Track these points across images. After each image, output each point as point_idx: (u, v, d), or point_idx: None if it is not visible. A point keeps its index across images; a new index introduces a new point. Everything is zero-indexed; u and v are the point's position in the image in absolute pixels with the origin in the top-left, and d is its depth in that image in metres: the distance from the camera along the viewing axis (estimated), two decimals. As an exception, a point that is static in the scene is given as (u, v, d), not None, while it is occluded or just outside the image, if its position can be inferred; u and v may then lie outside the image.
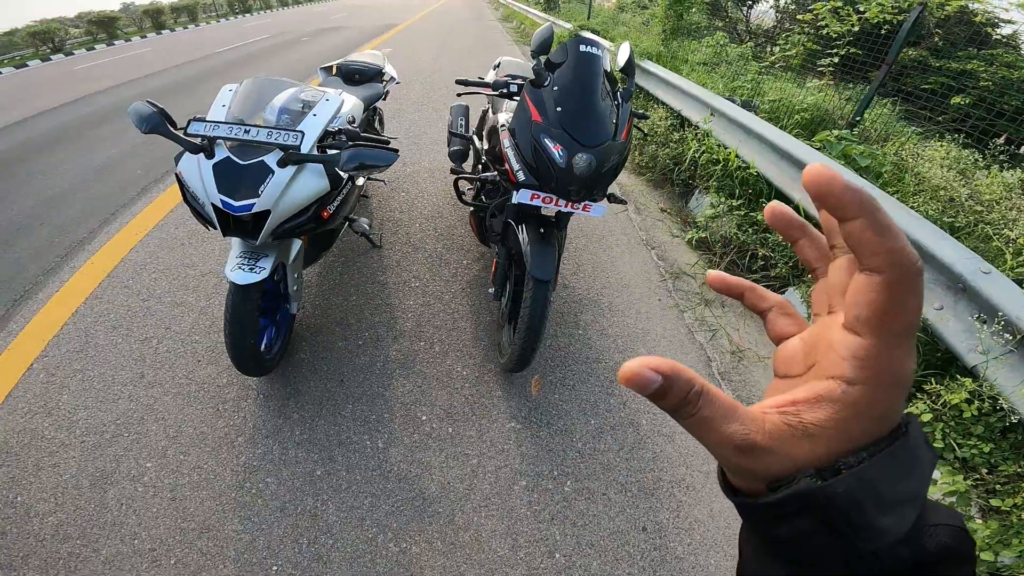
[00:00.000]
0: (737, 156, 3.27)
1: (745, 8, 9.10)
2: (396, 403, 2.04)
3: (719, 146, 3.50)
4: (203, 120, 1.63)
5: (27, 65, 13.60)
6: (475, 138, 2.70)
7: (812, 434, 0.22)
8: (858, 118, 3.82)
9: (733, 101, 3.92)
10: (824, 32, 5.57)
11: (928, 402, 1.73)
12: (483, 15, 19.48)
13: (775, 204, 0.30)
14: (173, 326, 2.40)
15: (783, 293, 2.55)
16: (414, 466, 1.82)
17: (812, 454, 0.22)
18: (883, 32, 5.05)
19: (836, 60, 5.13)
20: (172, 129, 1.62)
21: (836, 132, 3.32)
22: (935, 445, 1.57)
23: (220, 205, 1.57)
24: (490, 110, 2.62)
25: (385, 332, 2.37)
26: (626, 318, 2.54)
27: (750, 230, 2.91)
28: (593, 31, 8.61)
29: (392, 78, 3.20)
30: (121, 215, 3.50)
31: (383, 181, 3.43)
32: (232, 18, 27.61)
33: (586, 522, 1.68)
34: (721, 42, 6.10)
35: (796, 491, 0.22)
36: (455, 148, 2.56)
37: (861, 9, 5.41)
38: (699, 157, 3.58)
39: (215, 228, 1.65)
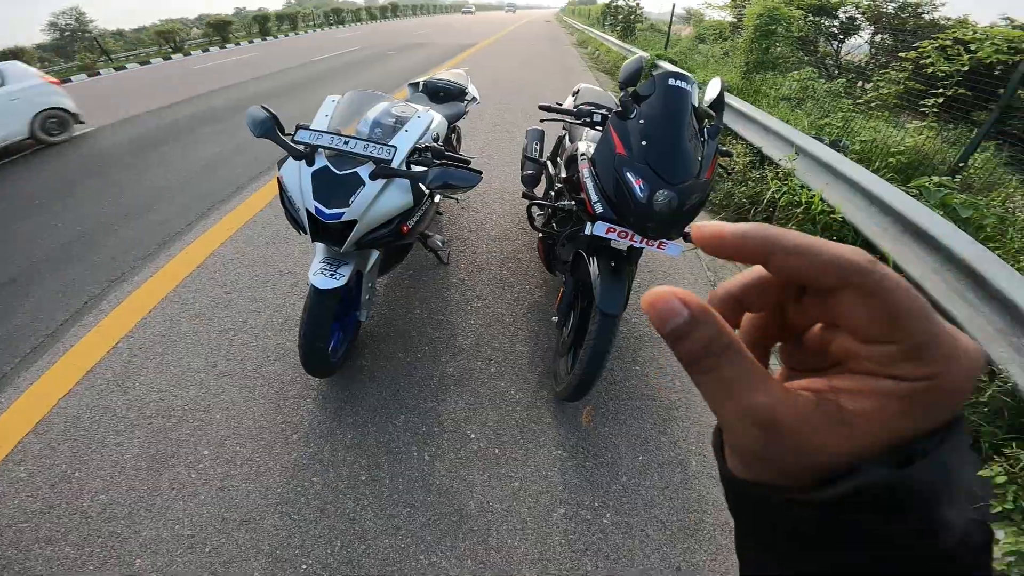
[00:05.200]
0: (822, 200, 3.09)
1: (836, 43, 8.70)
2: (447, 419, 2.05)
3: (802, 187, 3.33)
4: (308, 129, 1.75)
5: (150, 63, 15.28)
6: (549, 164, 2.72)
7: (849, 421, 0.19)
8: (962, 163, 3.53)
9: (820, 140, 3.73)
10: (929, 71, 5.23)
11: (1006, 465, 1.67)
12: (558, 39, 19.86)
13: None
14: (250, 320, 2.55)
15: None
16: (456, 482, 1.82)
17: (848, 445, 0.19)
18: (996, 73, 4.68)
19: (940, 100, 4.80)
20: (280, 135, 1.74)
21: (936, 178, 3.08)
22: (1005, 506, 1.55)
23: (314, 211, 1.66)
24: (567, 137, 2.63)
25: (444, 348, 2.41)
26: (686, 359, 2.43)
27: (831, 279, 2.72)
28: (671, 61, 8.52)
29: (473, 98, 3.30)
30: (218, 210, 3.81)
31: (456, 199, 3.52)
32: (327, 28, 29.84)
33: (620, 556, 1.63)
34: (809, 77, 5.85)
35: (867, 482, 0.18)
36: (528, 172, 2.58)
37: (972, 48, 5.05)
38: (779, 198, 3.41)
39: (306, 233, 1.74)
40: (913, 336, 0.19)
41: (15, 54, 12.81)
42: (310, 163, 1.71)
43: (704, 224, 0.22)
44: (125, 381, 2.19)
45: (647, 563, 1.61)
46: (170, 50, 18.39)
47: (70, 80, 12.59)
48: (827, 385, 0.21)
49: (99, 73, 13.51)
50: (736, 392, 0.20)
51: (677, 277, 3.07)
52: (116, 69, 14.22)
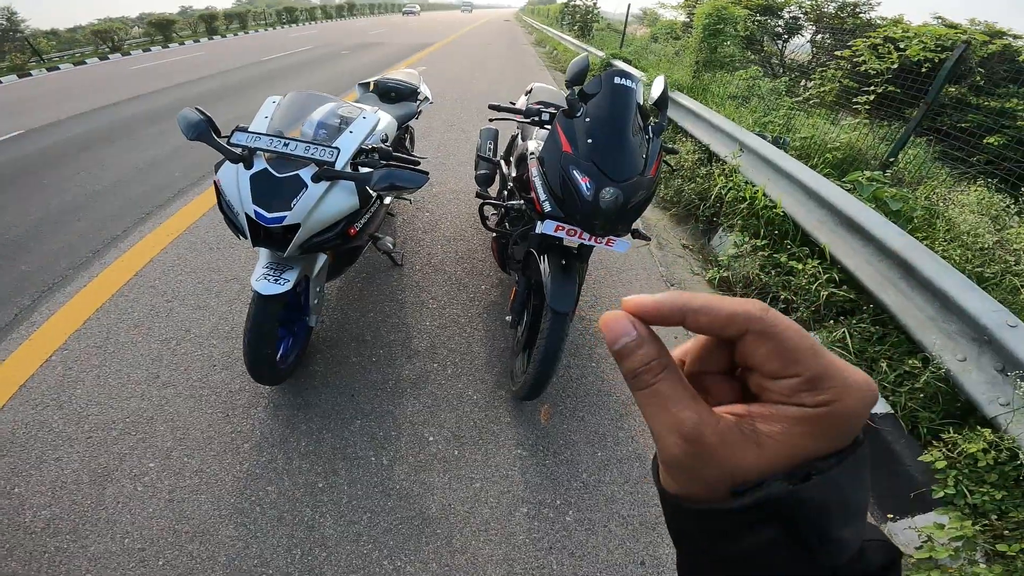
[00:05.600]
0: (764, 195, 3.23)
1: (780, 42, 9.09)
2: (404, 422, 2.03)
3: (746, 183, 3.46)
4: (246, 131, 1.69)
5: (85, 63, 14.38)
6: (503, 163, 2.73)
7: (763, 444, 0.22)
8: (892, 159, 3.74)
9: (763, 137, 3.88)
10: (862, 69, 5.53)
11: (944, 450, 1.72)
12: (516, 39, 19.92)
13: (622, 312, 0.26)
14: (193, 329, 2.45)
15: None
16: (417, 485, 1.80)
17: (758, 462, 0.22)
18: (923, 70, 4.99)
19: (872, 98, 5.07)
20: (216, 137, 1.68)
21: (868, 173, 3.25)
22: (947, 491, 1.61)
23: (253, 216, 1.61)
24: (520, 136, 2.64)
25: (399, 351, 2.38)
26: (641, 353, 2.48)
27: (773, 272, 2.84)
28: (625, 60, 8.70)
29: (426, 98, 3.26)
30: (156, 215, 3.62)
31: (409, 200, 3.48)
32: (279, 27, 28.84)
33: (584, 553, 1.65)
34: (755, 76, 6.08)
35: (768, 494, 0.21)
36: (482, 172, 2.57)
37: (902, 47, 5.37)
38: (725, 194, 3.53)
39: (246, 238, 1.68)
40: (807, 369, 0.22)
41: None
42: (248, 166, 1.65)
43: (629, 298, 0.25)
44: (61, 395, 2.08)
45: (611, 559, 1.64)
46: (107, 49, 17.36)
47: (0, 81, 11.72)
48: (746, 411, 0.23)
49: (30, 74, 12.65)
50: (668, 407, 0.22)
51: (631, 274, 3.14)
52: (48, 69, 13.34)
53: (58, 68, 13.56)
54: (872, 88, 5.16)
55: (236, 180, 1.65)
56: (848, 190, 2.94)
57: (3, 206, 3.85)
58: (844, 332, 2.29)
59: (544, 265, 1.81)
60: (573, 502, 1.80)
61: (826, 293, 2.49)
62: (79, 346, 2.33)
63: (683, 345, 0.29)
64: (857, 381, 0.22)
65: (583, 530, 1.71)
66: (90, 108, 7.18)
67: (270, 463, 1.83)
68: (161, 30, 20.25)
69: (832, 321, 2.42)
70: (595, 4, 16.64)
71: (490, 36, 21.01)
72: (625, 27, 12.41)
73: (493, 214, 2.68)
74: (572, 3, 17.46)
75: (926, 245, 2.32)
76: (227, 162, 1.69)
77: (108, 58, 15.54)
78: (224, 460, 1.84)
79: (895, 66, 5.27)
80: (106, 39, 17.89)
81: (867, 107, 5.05)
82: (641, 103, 1.73)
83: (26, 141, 5.63)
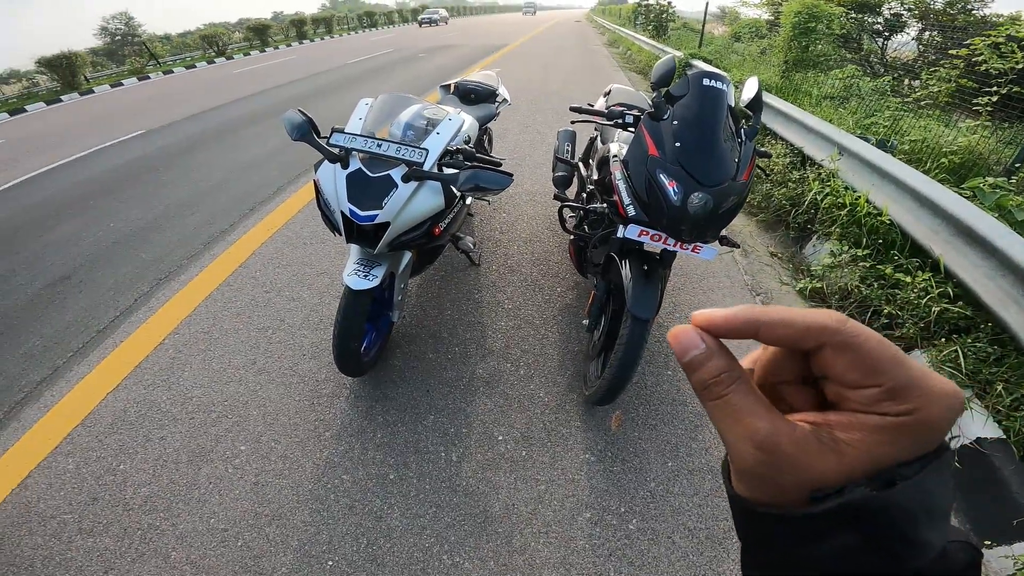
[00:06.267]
0: (868, 201, 2.96)
1: (881, 40, 8.32)
2: (475, 420, 2.06)
3: (846, 189, 3.19)
4: (343, 132, 1.79)
5: (195, 67, 15.98)
6: (581, 165, 2.70)
7: (842, 451, 0.22)
8: (1018, 164, 3.32)
9: (866, 140, 3.57)
10: (981, 68, 4.96)
11: None
12: (588, 39, 19.72)
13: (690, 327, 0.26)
14: (287, 319, 2.63)
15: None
16: (483, 483, 1.82)
17: (837, 469, 0.21)
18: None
19: (995, 98, 4.54)
20: (317, 138, 1.79)
21: (991, 179, 2.90)
22: None
23: (348, 213, 1.69)
24: (599, 139, 2.60)
25: (474, 349, 2.42)
26: (720, 366, 2.36)
27: (875, 284, 2.60)
28: (705, 60, 8.33)
29: (504, 99, 3.30)
30: (258, 211, 3.95)
31: (488, 201, 3.53)
32: (361, 31, 30.49)
33: (644, 562, 1.60)
34: (853, 75, 5.61)
35: (849, 500, 0.21)
36: (560, 174, 2.56)
37: (1027, 45, 4.77)
38: (821, 200, 3.28)
39: (341, 234, 1.78)
40: (890, 379, 0.22)
41: (69, 59, 13.49)
42: (345, 166, 1.75)
43: (699, 312, 0.25)
44: (170, 377, 2.28)
45: (672, 570, 1.58)
46: (214, 54, 19.17)
47: (121, 84, 13.22)
48: (823, 419, 0.23)
49: (148, 77, 14.15)
50: (741, 418, 0.23)
51: (713, 281, 3.00)
52: (164, 73, 14.89)
53: (172, 71, 15.15)
54: (995, 88, 4.62)
55: (334, 179, 1.74)
56: (968, 198, 2.63)
57: (128, 200, 4.37)
58: (957, 351, 2.07)
59: (625, 270, 1.76)
60: (638, 511, 1.75)
61: (938, 309, 2.25)
62: (188, 331, 2.57)
63: (753, 354, 0.29)
64: (943, 389, 0.22)
65: (646, 539, 1.66)
66: (200, 110, 7.99)
67: (347, 452, 1.91)
68: (258, 35, 22.08)
69: (943, 339, 2.19)
70: (669, 3, 16.11)
71: (562, 37, 20.95)
72: (704, 26, 11.90)
73: (571, 216, 2.66)
74: (645, 2, 17.00)
75: None
76: (326, 162, 1.79)
77: (214, 62, 17.13)
78: (307, 447, 1.94)
79: (1020, 66, 4.69)
80: (212, 43, 19.76)
81: (988, 108, 4.51)
82: (732, 105, 1.65)
83: (147, 140, 6.36)
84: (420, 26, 32.53)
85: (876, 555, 0.21)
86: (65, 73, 13.51)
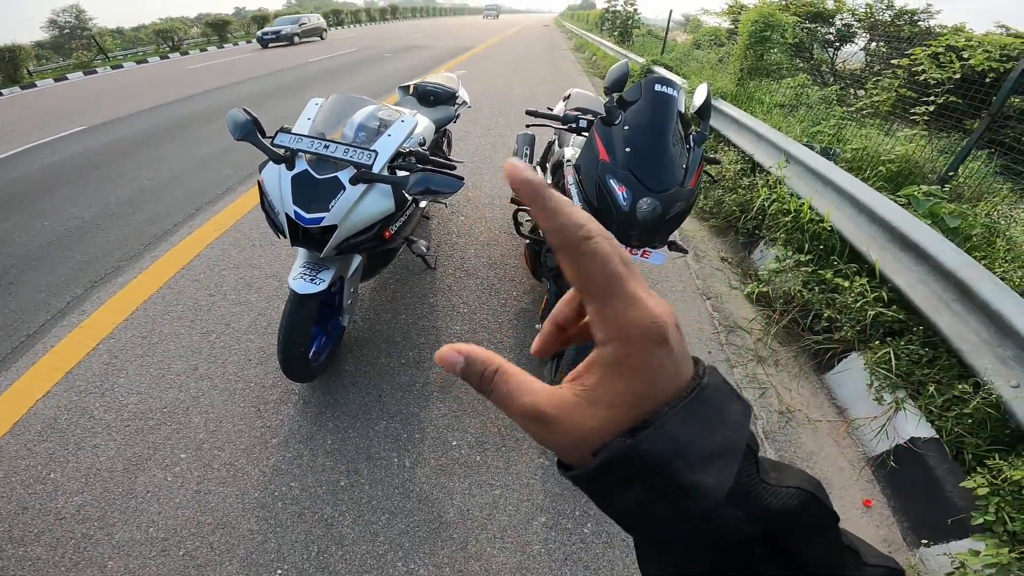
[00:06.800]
0: (811, 208, 3.09)
1: (831, 50, 8.74)
2: (429, 425, 2.03)
3: (791, 195, 3.31)
4: (289, 132, 1.74)
5: (147, 61, 15.25)
6: (539, 169, 2.71)
7: (596, 400, 0.22)
8: (951, 173, 3.53)
9: (811, 147, 3.72)
10: (921, 78, 5.26)
11: (988, 476, 1.66)
12: (556, 44, 19.90)
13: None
14: (232, 323, 2.53)
15: (845, 358, 2.37)
16: (437, 489, 1.80)
17: (605, 422, 0.22)
18: (988, 80, 4.70)
19: (932, 108, 4.82)
20: (261, 138, 1.73)
21: (925, 187, 3.07)
22: (987, 518, 1.55)
23: (293, 216, 1.65)
24: (556, 143, 2.61)
25: (428, 354, 2.39)
26: (673, 367, 2.42)
27: (816, 288, 2.71)
28: (666, 67, 8.54)
29: (464, 102, 3.28)
30: (206, 211, 3.79)
31: (444, 203, 3.50)
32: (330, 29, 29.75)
33: (600, 566, 1.62)
34: (803, 84, 5.86)
35: (609, 453, 0.22)
36: (517, 177, 2.56)
37: (965, 56, 5.08)
38: (768, 206, 3.40)
39: (286, 237, 1.73)
40: (599, 302, 0.22)
41: (11, 52, 12.74)
42: (290, 167, 1.70)
43: (512, 163, 0.24)
44: (104, 383, 2.17)
45: (627, 573, 1.60)
46: (168, 49, 18.35)
47: (66, 78, 12.53)
48: (575, 374, 0.25)
49: (95, 71, 13.47)
50: (512, 399, 0.24)
51: (667, 285, 3.06)
52: (113, 67, 14.18)
53: (122, 66, 14.43)
54: (932, 98, 4.90)
55: (279, 180, 1.69)
56: (903, 205, 2.78)
57: (67, 198, 4.11)
58: (890, 353, 2.17)
59: None
60: (592, 514, 1.77)
61: (873, 312, 2.36)
62: (125, 335, 2.44)
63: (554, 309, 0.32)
64: (640, 320, 0.22)
65: (600, 543, 1.68)
66: (150, 106, 7.62)
67: (296, 459, 1.86)
68: (217, 30, 21.25)
69: (878, 342, 2.30)
70: (635, 10, 16.45)
71: (530, 41, 21.07)
72: (667, 33, 12.19)
73: (527, 220, 2.66)
74: (612, 8, 17.31)
75: (985, 265, 2.18)
76: (271, 162, 1.73)
77: (168, 57, 16.42)
78: (252, 454, 1.88)
79: (957, 76, 4.99)
80: (167, 38, 18.92)
81: (925, 118, 4.79)
82: (683, 111, 1.68)
83: (89, 136, 6.01)
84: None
85: (659, 503, 0.21)
86: (7, 66, 12.79)
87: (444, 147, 3.31)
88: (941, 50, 5.26)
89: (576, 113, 2.04)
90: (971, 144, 3.50)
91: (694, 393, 0.22)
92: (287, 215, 1.66)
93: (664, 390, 0.22)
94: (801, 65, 7.64)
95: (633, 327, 0.22)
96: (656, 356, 0.22)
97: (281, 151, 1.72)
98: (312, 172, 1.68)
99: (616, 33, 16.67)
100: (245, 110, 1.75)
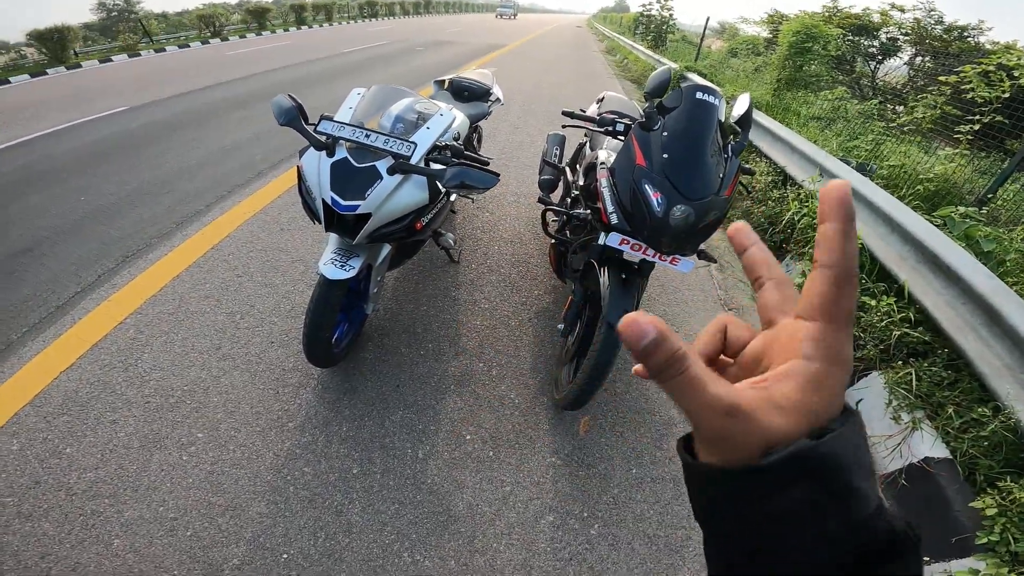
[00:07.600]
0: (843, 224, 3.01)
1: (873, 64, 8.51)
2: (444, 418, 2.04)
3: (824, 210, 3.24)
4: (332, 120, 1.76)
5: (188, 46, 15.61)
6: (567, 170, 2.69)
7: (781, 406, 0.24)
8: (990, 195, 3.41)
9: (847, 163, 3.64)
10: (969, 96, 5.09)
11: (998, 497, 1.65)
12: (587, 45, 19.81)
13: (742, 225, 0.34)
14: (257, 304, 2.57)
15: (865, 376, 2.32)
16: (447, 482, 1.81)
17: (785, 426, 0.24)
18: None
19: (977, 127, 4.66)
20: (304, 124, 1.76)
21: (962, 208, 2.97)
22: (991, 538, 1.58)
23: (329, 202, 1.67)
24: (588, 145, 2.60)
25: (448, 347, 2.40)
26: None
27: (845, 307, 2.65)
28: (700, 73, 8.43)
29: (497, 99, 3.29)
30: (236, 194, 3.86)
31: (472, 199, 3.51)
32: (361, 21, 30.15)
33: (604, 567, 1.62)
34: (842, 97, 5.72)
35: (796, 450, 0.23)
36: (546, 177, 2.55)
37: (1016, 75, 4.90)
38: (798, 220, 3.33)
39: (320, 223, 1.75)
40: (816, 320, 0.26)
41: (60, 32, 13.13)
42: (330, 154, 1.72)
43: (840, 182, 0.26)
44: (128, 358, 2.21)
45: None
46: (209, 34, 18.75)
47: (111, 60, 12.90)
48: (759, 379, 0.26)
49: (139, 54, 13.82)
50: (704, 388, 0.24)
51: (688, 294, 3.03)
52: (156, 51, 14.52)
53: (164, 50, 14.77)
54: (978, 117, 4.73)
55: (318, 166, 1.72)
56: (938, 226, 2.70)
57: (105, 175, 4.23)
58: (912, 373, 2.12)
59: (604, 277, 1.77)
60: (600, 516, 1.76)
61: (899, 333, 2.30)
62: (152, 311, 2.49)
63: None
64: (844, 354, 0.26)
65: (606, 545, 1.68)
66: (188, 89, 7.79)
67: (310, 444, 1.88)
68: (257, 17, 21.64)
69: (901, 362, 2.24)
70: (671, 15, 16.26)
71: (561, 42, 20.99)
72: (702, 40, 12.04)
73: (554, 220, 2.66)
74: (647, 12, 17.13)
75: (1016, 291, 2.11)
76: (311, 148, 1.76)
77: (209, 42, 16.75)
78: (268, 437, 1.89)
79: (1006, 95, 4.81)
80: (209, 24, 19.34)
81: (969, 137, 4.63)
82: (722, 120, 1.66)
83: (129, 117, 6.17)
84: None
85: (828, 504, 0.23)
86: (55, 47, 13.16)
87: (475, 143, 3.32)
88: (992, 68, 5.09)
89: (612, 116, 2.02)
90: (1013, 166, 3.37)
91: (853, 418, 0.25)
92: (324, 200, 1.68)
93: (832, 409, 0.25)
94: (841, 78, 7.46)
95: (846, 355, 0.25)
96: (842, 382, 0.25)
97: (323, 138, 1.74)
98: (351, 160, 1.70)
99: (650, 38, 16.49)
100: (291, 96, 1.78)
